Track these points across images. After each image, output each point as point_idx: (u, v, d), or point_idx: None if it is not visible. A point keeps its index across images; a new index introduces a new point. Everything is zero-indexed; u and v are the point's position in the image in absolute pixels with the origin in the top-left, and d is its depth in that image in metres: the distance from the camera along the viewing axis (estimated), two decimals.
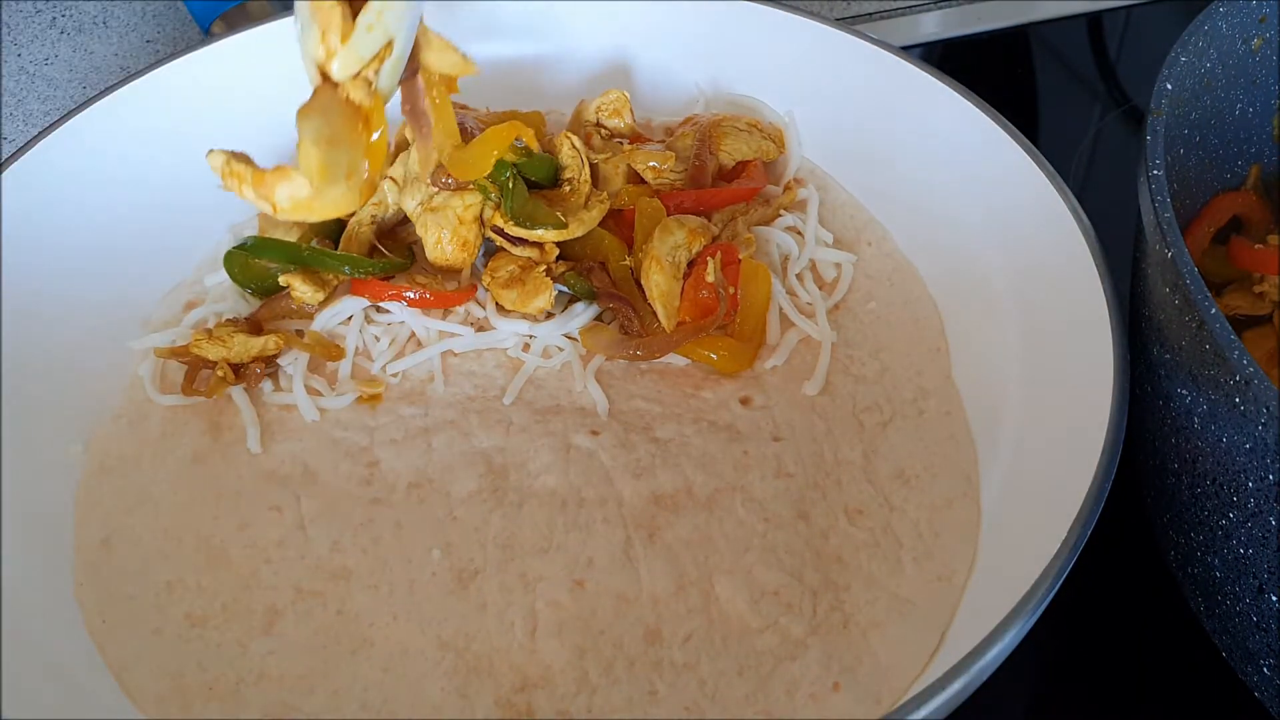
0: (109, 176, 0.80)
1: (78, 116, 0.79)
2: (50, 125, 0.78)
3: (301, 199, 0.58)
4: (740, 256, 0.74)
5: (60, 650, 0.61)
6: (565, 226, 0.72)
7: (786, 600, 0.61)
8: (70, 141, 0.78)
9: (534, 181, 0.74)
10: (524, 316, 0.73)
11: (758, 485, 0.66)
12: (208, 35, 1.02)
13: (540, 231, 0.72)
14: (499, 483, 0.66)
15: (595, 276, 0.73)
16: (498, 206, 0.73)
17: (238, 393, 0.72)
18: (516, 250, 0.73)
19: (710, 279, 0.71)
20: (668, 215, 0.74)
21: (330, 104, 0.57)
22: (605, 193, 0.75)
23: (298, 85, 0.86)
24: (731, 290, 0.72)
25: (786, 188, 0.82)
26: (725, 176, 0.82)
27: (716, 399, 0.70)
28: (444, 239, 0.73)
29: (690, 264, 0.73)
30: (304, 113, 0.58)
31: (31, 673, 0.58)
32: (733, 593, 0.61)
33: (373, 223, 0.76)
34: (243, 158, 0.59)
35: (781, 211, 0.80)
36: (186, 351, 0.71)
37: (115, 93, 0.81)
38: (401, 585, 0.62)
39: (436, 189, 0.73)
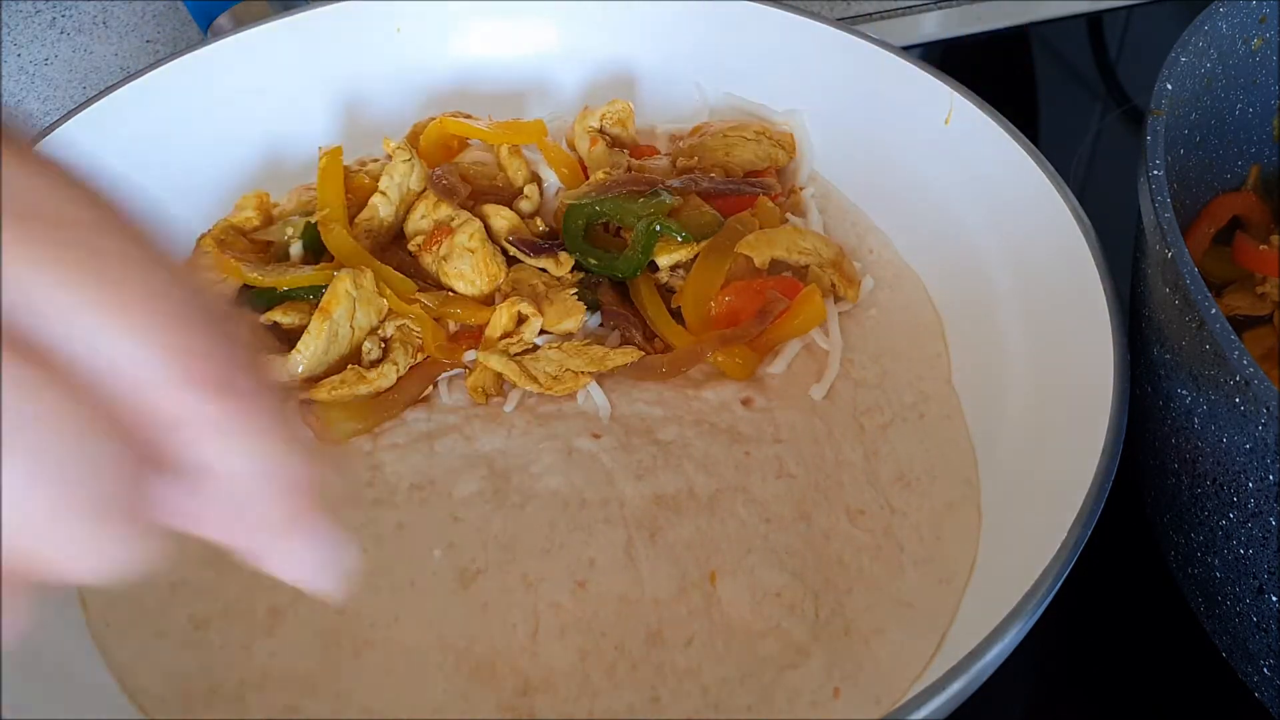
0: (109, 176, 0.79)
1: (78, 116, 0.78)
2: (50, 125, 0.78)
3: None
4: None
5: (62, 652, 0.61)
6: (617, 257, 0.72)
7: (789, 602, 0.61)
8: (70, 141, 0.78)
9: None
10: None
11: (759, 486, 0.66)
12: (208, 35, 1.02)
13: (593, 261, 0.73)
14: (501, 484, 0.66)
15: (602, 291, 0.74)
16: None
17: None
18: (533, 260, 0.73)
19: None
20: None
21: None
22: None
23: (297, 85, 0.87)
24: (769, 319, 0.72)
25: (790, 191, 0.82)
26: None
27: (718, 400, 0.70)
28: (467, 273, 0.72)
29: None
30: None
31: (33, 674, 0.58)
32: (735, 594, 0.61)
33: (367, 236, 0.75)
34: None
35: (787, 216, 0.80)
36: None
37: (115, 93, 0.80)
38: (403, 585, 0.62)
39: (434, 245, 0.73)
